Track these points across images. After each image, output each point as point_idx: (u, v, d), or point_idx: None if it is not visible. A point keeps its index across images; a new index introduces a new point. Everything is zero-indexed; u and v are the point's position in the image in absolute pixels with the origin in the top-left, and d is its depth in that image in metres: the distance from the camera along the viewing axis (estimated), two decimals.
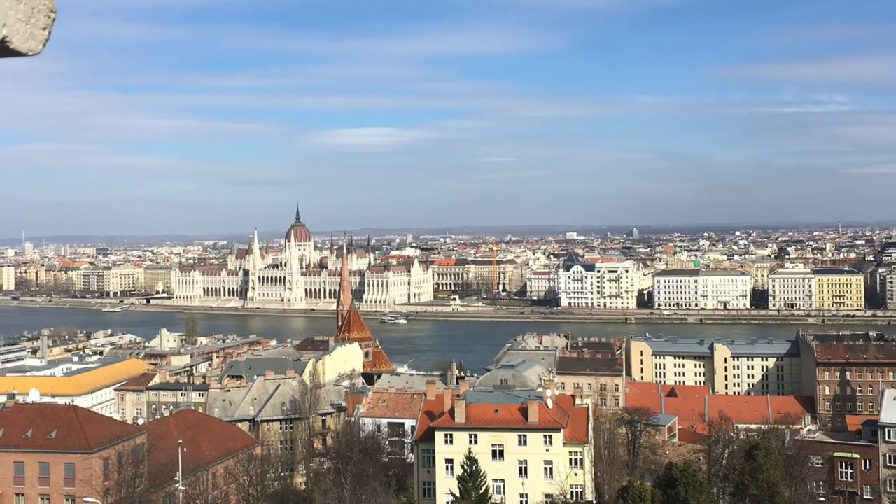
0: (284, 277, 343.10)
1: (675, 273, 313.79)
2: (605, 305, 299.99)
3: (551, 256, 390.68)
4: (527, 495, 63.23)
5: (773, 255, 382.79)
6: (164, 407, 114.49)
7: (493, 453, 64.49)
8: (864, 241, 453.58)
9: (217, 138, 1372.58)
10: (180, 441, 59.77)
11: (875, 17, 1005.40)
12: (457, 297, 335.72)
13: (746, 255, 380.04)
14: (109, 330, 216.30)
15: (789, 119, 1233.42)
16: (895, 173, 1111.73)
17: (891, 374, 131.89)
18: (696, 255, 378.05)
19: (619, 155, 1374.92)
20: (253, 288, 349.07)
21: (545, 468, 64.27)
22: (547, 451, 64.57)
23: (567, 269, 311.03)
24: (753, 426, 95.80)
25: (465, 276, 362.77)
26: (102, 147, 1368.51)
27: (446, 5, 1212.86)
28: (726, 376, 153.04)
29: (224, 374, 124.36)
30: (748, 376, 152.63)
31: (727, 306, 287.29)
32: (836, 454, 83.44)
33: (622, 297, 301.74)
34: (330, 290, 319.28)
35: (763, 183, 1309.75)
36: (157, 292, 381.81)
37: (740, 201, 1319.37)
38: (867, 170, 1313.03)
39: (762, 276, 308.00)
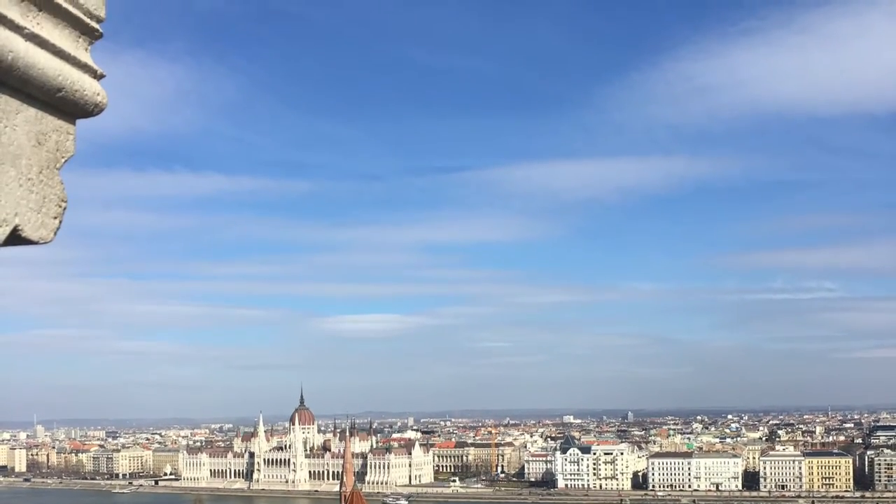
0: (289, 459, 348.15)
1: (669, 455, 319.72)
2: (600, 487, 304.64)
3: (549, 439, 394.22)
4: None
5: (764, 438, 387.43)
6: None
7: None
8: (852, 424, 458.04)
9: (222, 324, 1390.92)
10: None
11: (862, 205, 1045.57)
12: (456, 478, 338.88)
13: (738, 438, 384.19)
14: None
15: (780, 305, 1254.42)
16: (883, 358, 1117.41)
17: None
18: (689, 438, 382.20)
19: (615, 340, 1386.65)
20: (258, 470, 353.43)
21: None
22: None
23: (564, 451, 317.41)
24: None
25: (464, 458, 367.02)
26: (111, 332, 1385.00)
27: (446, 196, 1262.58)
28: None
29: None
30: None
31: (719, 487, 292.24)
32: None
33: (617, 479, 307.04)
34: (333, 472, 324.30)
35: (755, 367, 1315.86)
36: (165, 474, 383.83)
37: (732, 385, 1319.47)
38: (856, 354, 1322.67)
39: (754, 457, 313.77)
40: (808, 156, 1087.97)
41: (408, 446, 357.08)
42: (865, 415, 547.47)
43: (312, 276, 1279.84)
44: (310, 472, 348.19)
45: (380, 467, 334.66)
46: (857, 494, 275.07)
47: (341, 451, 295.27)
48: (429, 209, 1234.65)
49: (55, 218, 4.75)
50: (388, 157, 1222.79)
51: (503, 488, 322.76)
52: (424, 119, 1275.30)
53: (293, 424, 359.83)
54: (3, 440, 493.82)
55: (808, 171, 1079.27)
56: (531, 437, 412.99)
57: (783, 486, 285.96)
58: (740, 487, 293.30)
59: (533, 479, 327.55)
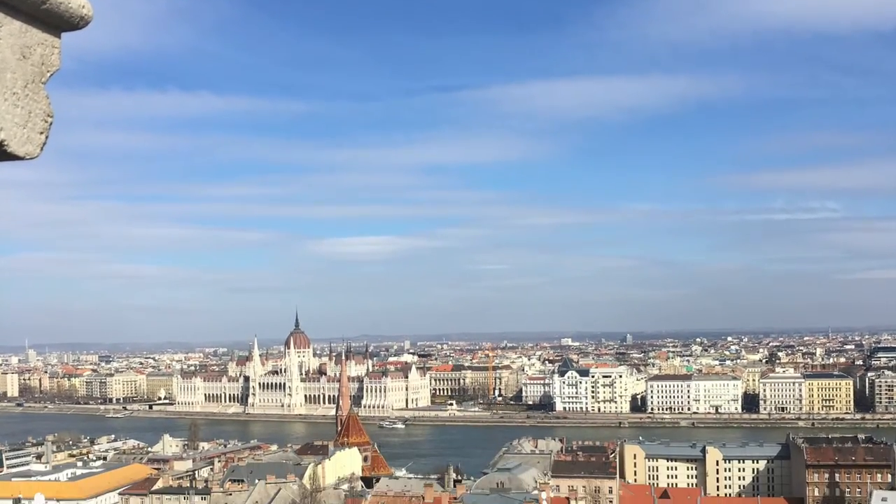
0: (284, 383, 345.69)
1: (668, 378, 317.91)
2: (599, 410, 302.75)
3: (546, 362, 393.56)
4: None
5: (764, 360, 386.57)
6: None
7: None
8: (853, 346, 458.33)
9: (217, 246, 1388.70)
10: None
11: (866, 124, 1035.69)
12: (454, 402, 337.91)
13: (738, 360, 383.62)
14: (113, 435, 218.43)
15: (781, 226, 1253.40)
16: (885, 279, 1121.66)
17: (879, 475, 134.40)
18: (688, 361, 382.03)
19: (613, 262, 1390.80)
20: (253, 394, 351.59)
21: None
22: None
23: (562, 374, 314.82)
24: None
25: (461, 381, 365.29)
26: (104, 255, 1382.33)
27: (445, 115, 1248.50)
28: (718, 478, 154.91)
29: (226, 479, 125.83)
30: (739, 478, 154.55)
31: (719, 410, 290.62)
32: None
33: (616, 402, 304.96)
34: (329, 396, 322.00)
35: (755, 289, 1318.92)
36: (160, 398, 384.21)
37: (732, 307, 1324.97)
38: (857, 276, 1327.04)
39: (753, 380, 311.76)
40: (811, 73, 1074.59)
41: (404, 370, 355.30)
42: (866, 336, 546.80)
43: (308, 197, 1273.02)
44: (305, 396, 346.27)
45: (376, 391, 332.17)
46: (858, 416, 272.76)
47: (337, 375, 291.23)
48: (426, 130, 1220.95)
49: (41, 133, 4.71)
50: (384, 76, 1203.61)
51: (501, 412, 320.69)
52: (421, 38, 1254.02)
53: (288, 348, 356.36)
54: None
55: (812, 88, 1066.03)
56: (529, 360, 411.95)
57: (783, 409, 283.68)
58: (740, 410, 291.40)
59: (531, 403, 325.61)
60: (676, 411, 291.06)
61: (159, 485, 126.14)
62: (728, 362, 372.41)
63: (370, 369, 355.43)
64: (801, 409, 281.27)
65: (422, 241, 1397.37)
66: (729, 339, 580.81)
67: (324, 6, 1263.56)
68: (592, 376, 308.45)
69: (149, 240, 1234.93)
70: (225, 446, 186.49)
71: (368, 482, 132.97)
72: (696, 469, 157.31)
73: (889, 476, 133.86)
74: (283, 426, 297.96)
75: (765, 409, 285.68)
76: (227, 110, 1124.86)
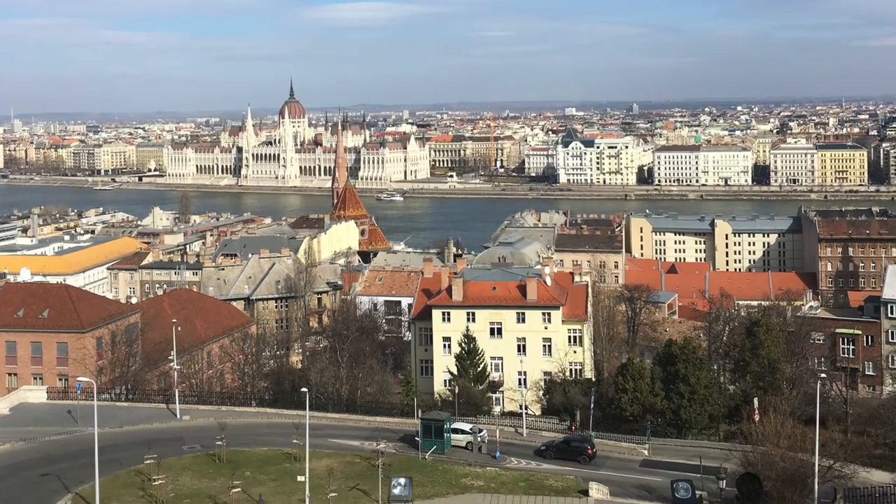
0: (278, 154, 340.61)
1: (676, 149, 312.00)
2: (604, 182, 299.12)
3: (550, 132, 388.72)
4: (525, 373, 62.44)
5: (774, 131, 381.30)
6: (157, 286, 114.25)
7: (491, 331, 63.98)
8: (867, 116, 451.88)
9: (208, 13, 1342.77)
10: (174, 320, 58.10)
11: None
12: (454, 173, 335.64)
13: (748, 131, 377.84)
14: (101, 208, 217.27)
15: None
16: None
17: (894, 249, 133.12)
18: (696, 131, 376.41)
19: (619, 29, 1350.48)
20: (247, 165, 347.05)
21: (544, 346, 63.76)
22: (545, 328, 63.93)
23: (566, 145, 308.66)
24: (754, 303, 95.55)
25: (462, 152, 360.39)
26: (90, 21, 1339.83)
27: None
28: (727, 253, 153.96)
29: (218, 253, 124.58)
30: (749, 253, 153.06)
31: (728, 182, 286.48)
32: (837, 330, 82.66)
33: (622, 174, 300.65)
34: (325, 168, 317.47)
35: (765, 57, 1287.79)
36: (150, 170, 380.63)
37: (742, 75, 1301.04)
38: (871, 43, 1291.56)
39: (764, 151, 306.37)
40: None
41: (403, 140, 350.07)
42: (881, 105, 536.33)
43: None
44: (300, 167, 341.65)
45: (373, 162, 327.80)
46: (872, 188, 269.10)
47: (333, 146, 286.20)
48: None
49: None
50: None
51: (502, 184, 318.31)
52: None
53: (282, 118, 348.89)
54: None
55: None
56: (531, 130, 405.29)
57: (794, 181, 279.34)
58: (750, 182, 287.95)
59: (533, 174, 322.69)
60: (684, 183, 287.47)
61: (149, 259, 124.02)
62: (738, 133, 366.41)
63: (367, 140, 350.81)
64: (813, 180, 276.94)
65: (419, 7, 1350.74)
66: (738, 108, 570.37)
67: None
68: (597, 147, 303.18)
69: (135, 4, 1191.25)
70: (217, 220, 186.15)
71: (366, 256, 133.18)
72: (704, 243, 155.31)
73: None
74: (277, 199, 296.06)
75: (776, 181, 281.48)
76: None
